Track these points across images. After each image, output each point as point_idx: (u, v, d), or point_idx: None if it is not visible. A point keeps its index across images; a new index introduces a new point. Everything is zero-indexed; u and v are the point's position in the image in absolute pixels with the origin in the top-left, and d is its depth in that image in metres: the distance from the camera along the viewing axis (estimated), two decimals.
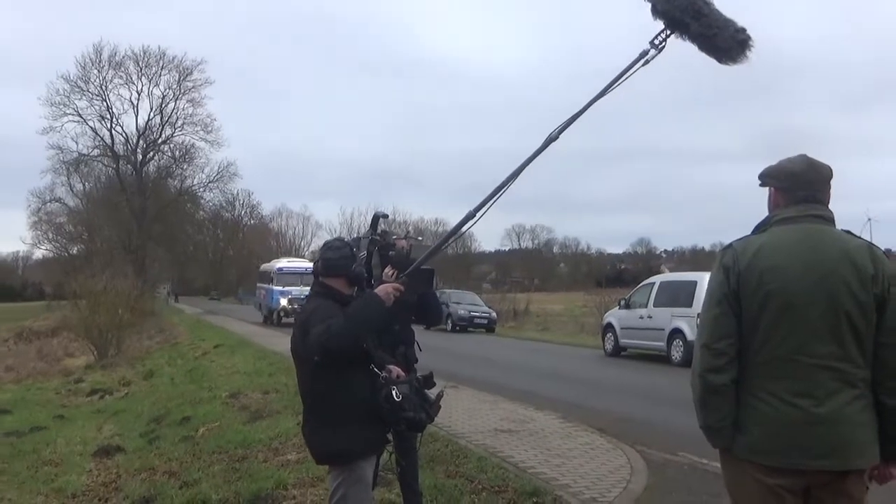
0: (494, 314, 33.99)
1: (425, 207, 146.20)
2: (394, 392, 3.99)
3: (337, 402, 3.99)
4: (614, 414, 10.92)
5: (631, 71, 3.80)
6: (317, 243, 63.29)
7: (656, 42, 3.79)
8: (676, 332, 18.46)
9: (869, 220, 45.66)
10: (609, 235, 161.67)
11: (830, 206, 3.06)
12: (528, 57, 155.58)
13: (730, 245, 3.05)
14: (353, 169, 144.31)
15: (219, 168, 66.63)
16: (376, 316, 3.94)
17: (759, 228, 3.08)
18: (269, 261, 45.20)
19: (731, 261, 2.96)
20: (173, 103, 62.75)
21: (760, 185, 3.17)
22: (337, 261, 4.18)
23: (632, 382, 15.17)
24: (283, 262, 39.25)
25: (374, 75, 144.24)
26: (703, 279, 17.06)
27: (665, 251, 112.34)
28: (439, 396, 4.30)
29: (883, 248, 3.02)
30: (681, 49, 3.86)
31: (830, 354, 2.82)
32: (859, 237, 2.99)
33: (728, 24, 3.74)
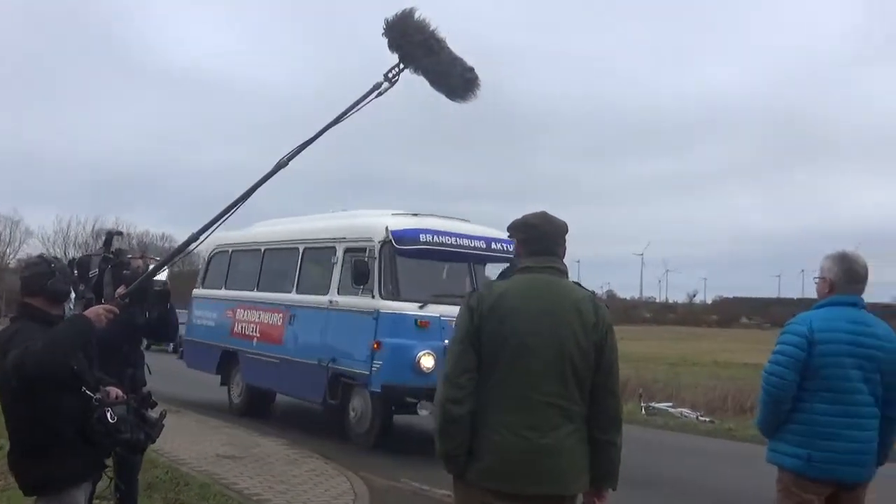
0: None
1: (156, 221, 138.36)
2: (108, 414, 3.84)
3: (44, 428, 3.77)
4: (340, 441, 11.03)
5: (364, 102, 4.01)
6: (26, 251, 57.96)
7: (390, 75, 4.02)
8: None
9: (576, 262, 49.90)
10: None
11: (570, 252, 3.41)
12: (287, 73, 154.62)
13: (476, 289, 3.33)
14: (77, 174, 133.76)
15: None
16: (80, 338, 3.78)
17: (504, 275, 3.38)
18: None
19: (476, 303, 3.22)
20: None
21: (508, 236, 3.50)
22: (31, 278, 3.97)
23: None
24: (410, 221, 10.87)
25: (111, 75, 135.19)
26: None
27: None
28: (162, 416, 4.20)
29: (607, 288, 3.42)
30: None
31: (556, 393, 3.13)
32: (585, 288, 3.34)
33: (457, 62, 4.04)
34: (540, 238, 3.34)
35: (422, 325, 9.96)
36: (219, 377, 13.80)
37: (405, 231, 10.30)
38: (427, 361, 9.60)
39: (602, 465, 3.22)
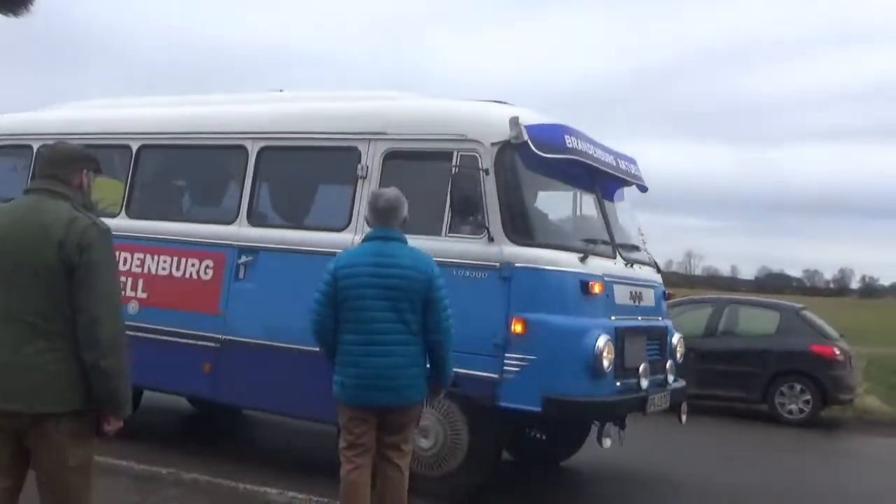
0: None
1: None
2: None
3: None
4: None
5: None
6: None
7: None
8: None
9: None
10: None
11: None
12: None
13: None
14: None
15: None
16: None
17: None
18: None
19: None
20: None
21: None
22: None
23: None
24: (531, 114, 6.08)
25: None
26: None
27: None
28: None
29: None
30: None
31: (24, 309, 3.10)
32: (77, 212, 3.22)
33: None
34: (46, 164, 3.33)
35: (591, 292, 5.78)
36: None
37: (546, 130, 5.96)
38: (609, 355, 5.58)
39: (95, 389, 3.16)
